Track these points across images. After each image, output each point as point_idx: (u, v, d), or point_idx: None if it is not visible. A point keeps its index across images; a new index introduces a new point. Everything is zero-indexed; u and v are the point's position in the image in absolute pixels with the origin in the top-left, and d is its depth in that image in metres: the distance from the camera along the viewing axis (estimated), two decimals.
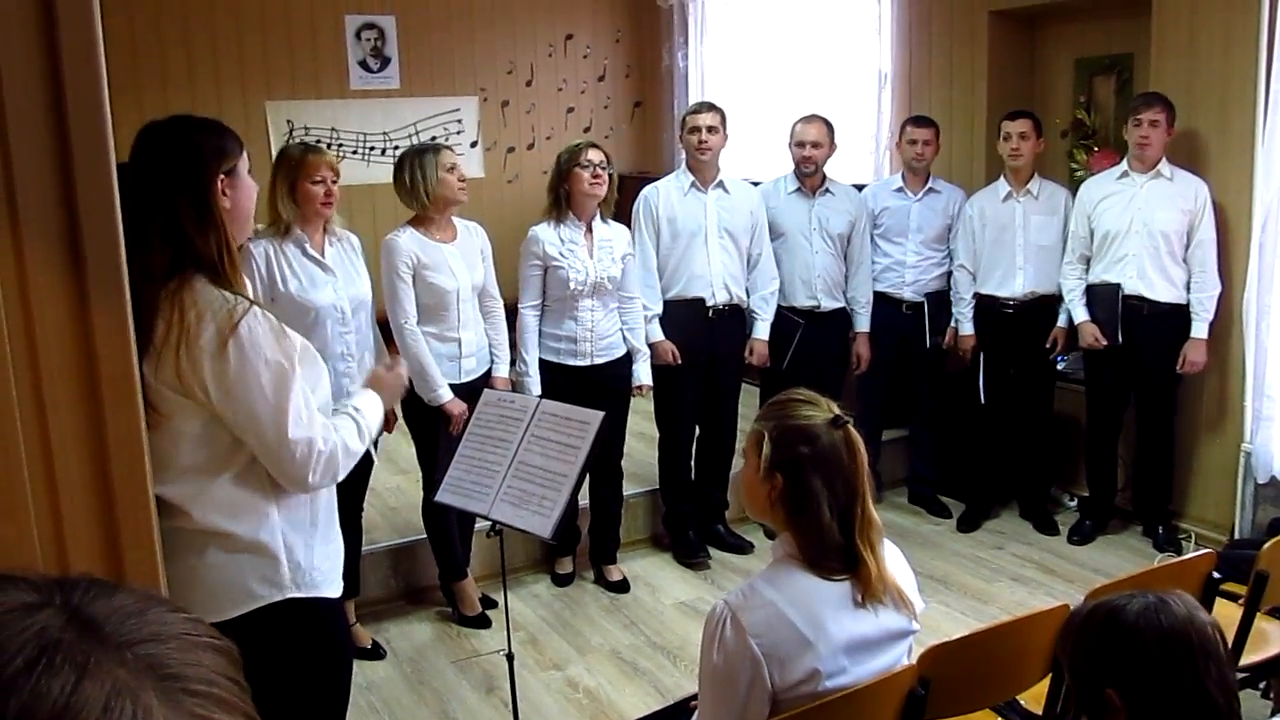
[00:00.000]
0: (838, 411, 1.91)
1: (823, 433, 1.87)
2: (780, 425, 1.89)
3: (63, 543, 1.13)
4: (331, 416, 2.15)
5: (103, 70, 1.14)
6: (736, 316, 4.61)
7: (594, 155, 4.06)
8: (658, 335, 4.43)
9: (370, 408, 2.26)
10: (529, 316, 4.12)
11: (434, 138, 7.08)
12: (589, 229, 4.14)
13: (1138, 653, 1.56)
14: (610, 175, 4.09)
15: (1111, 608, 1.61)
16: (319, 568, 2.13)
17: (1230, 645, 2.64)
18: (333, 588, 2.17)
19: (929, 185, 5.01)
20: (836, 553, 1.88)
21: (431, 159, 3.78)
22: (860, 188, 5.18)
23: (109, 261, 1.11)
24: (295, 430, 1.99)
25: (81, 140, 1.16)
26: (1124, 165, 4.51)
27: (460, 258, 3.88)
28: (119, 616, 0.63)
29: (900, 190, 5.04)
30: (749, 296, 4.62)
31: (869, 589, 1.87)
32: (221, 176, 2.03)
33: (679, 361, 4.44)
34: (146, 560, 1.15)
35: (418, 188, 3.76)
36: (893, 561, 1.97)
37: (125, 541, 1.11)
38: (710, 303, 4.49)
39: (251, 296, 2.05)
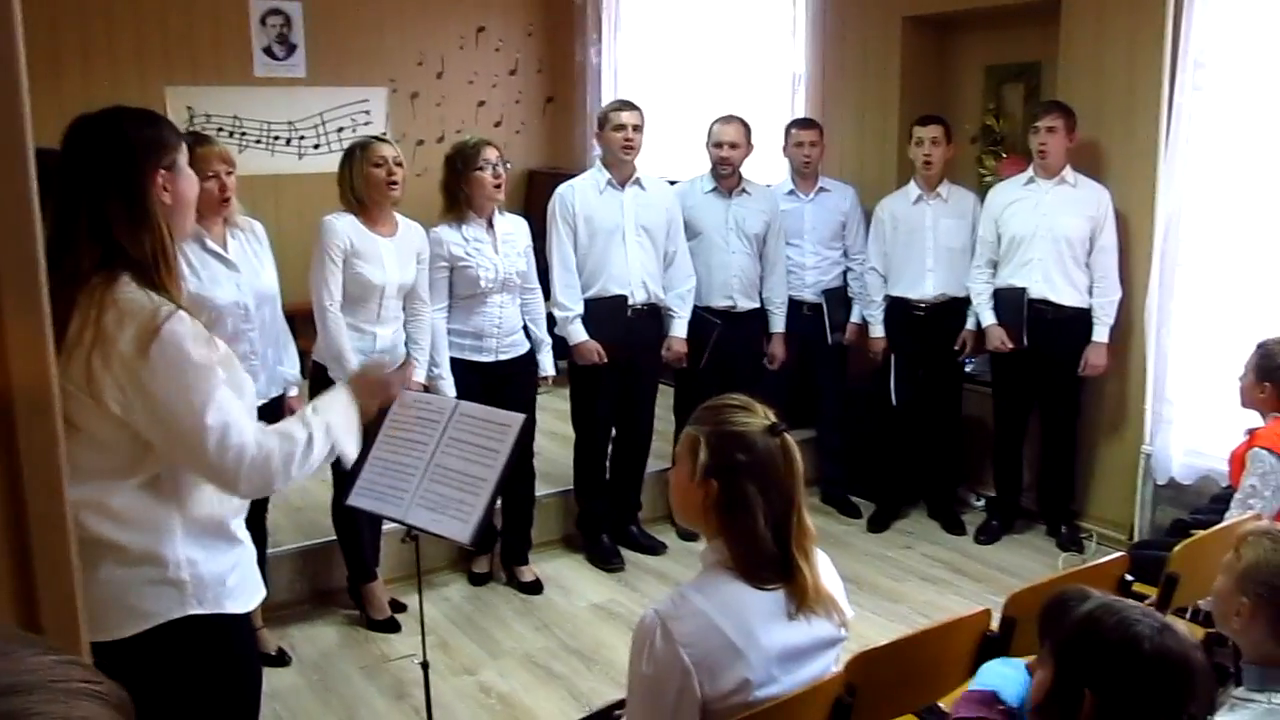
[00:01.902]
0: (774, 419, 1.88)
1: (760, 440, 1.84)
2: (717, 431, 1.86)
3: None
4: (281, 422, 2.04)
5: (21, 58, 1.05)
6: (654, 315, 4.58)
7: (491, 154, 4.02)
8: (582, 335, 4.38)
9: (332, 406, 2.11)
10: (437, 319, 4.05)
11: (341, 129, 6.92)
12: (490, 225, 4.09)
13: (1138, 671, 1.60)
14: (507, 168, 4.08)
15: (1123, 619, 1.65)
16: (225, 583, 2.02)
17: None
18: (239, 603, 2.05)
19: (819, 185, 5.07)
20: (770, 562, 1.85)
21: (359, 156, 3.76)
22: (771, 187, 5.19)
23: (24, 264, 1.02)
24: (223, 434, 1.88)
25: None
26: (1030, 172, 4.60)
27: (394, 254, 3.82)
28: None
29: (792, 193, 5.09)
30: (665, 295, 4.59)
31: (804, 600, 1.85)
32: (162, 172, 1.93)
33: (604, 360, 4.40)
34: (63, 585, 1.07)
35: (344, 183, 3.78)
36: (824, 569, 1.96)
37: (38, 564, 1.02)
38: (631, 301, 4.46)
39: (183, 299, 1.94)
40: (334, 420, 2.09)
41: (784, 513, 1.85)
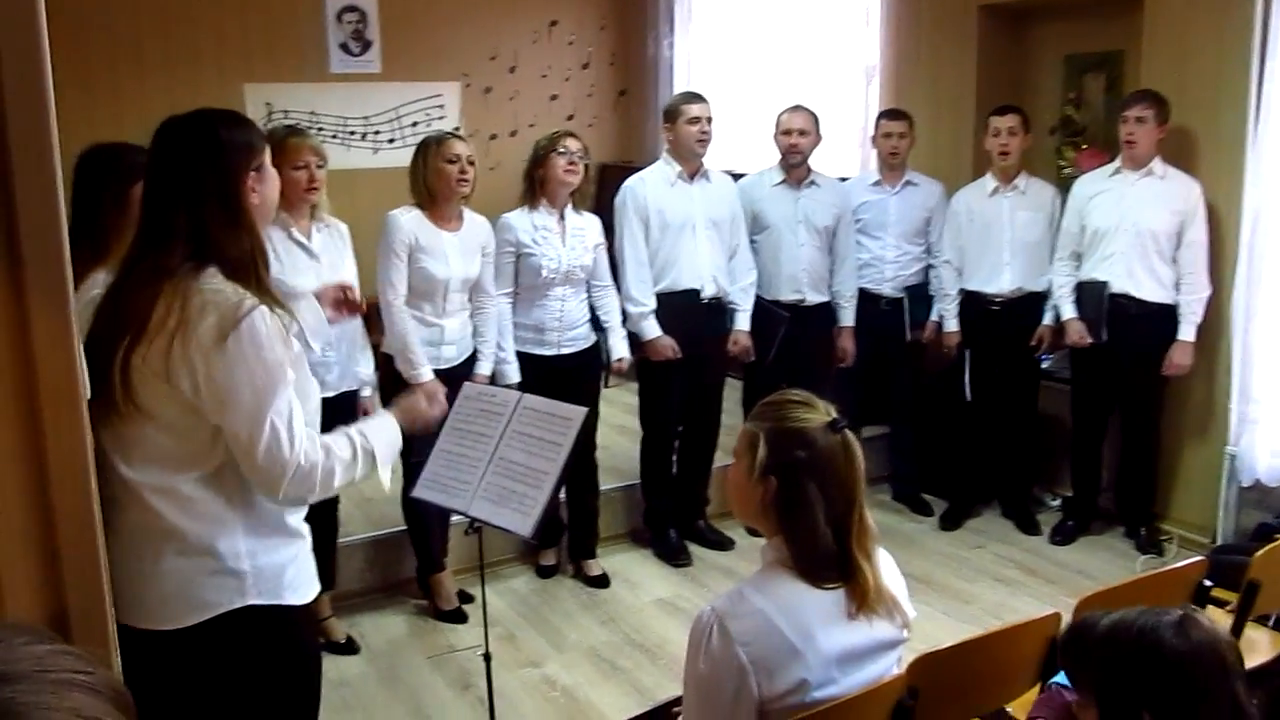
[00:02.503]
0: (835, 415, 1.84)
1: (820, 437, 1.80)
2: (776, 428, 1.83)
3: None
4: (330, 435, 2.07)
5: (46, 63, 1.06)
6: (721, 310, 4.55)
7: (572, 144, 4.04)
8: (655, 331, 4.35)
9: (380, 433, 2.16)
10: (503, 304, 4.08)
11: (415, 124, 6.98)
12: (561, 217, 4.08)
13: (1174, 674, 1.55)
14: (586, 166, 4.09)
15: (1142, 628, 1.59)
16: (283, 574, 2.05)
17: None
18: (298, 595, 2.08)
19: (906, 179, 4.97)
20: (829, 561, 1.82)
21: (433, 150, 3.79)
22: (845, 180, 5.12)
23: (51, 263, 1.03)
24: (276, 437, 1.91)
25: (20, 133, 1.08)
26: (1117, 163, 4.48)
27: (459, 248, 3.85)
28: None
29: (877, 184, 5.00)
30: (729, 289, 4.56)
31: (865, 601, 1.81)
32: (252, 173, 1.98)
33: (679, 356, 4.37)
34: (90, 581, 1.08)
35: (416, 176, 3.82)
36: (885, 569, 1.92)
37: (67, 562, 1.03)
38: (702, 295, 4.43)
39: (275, 294, 1.99)
40: (378, 449, 2.13)
41: (844, 511, 1.81)
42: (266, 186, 2.02)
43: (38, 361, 1.02)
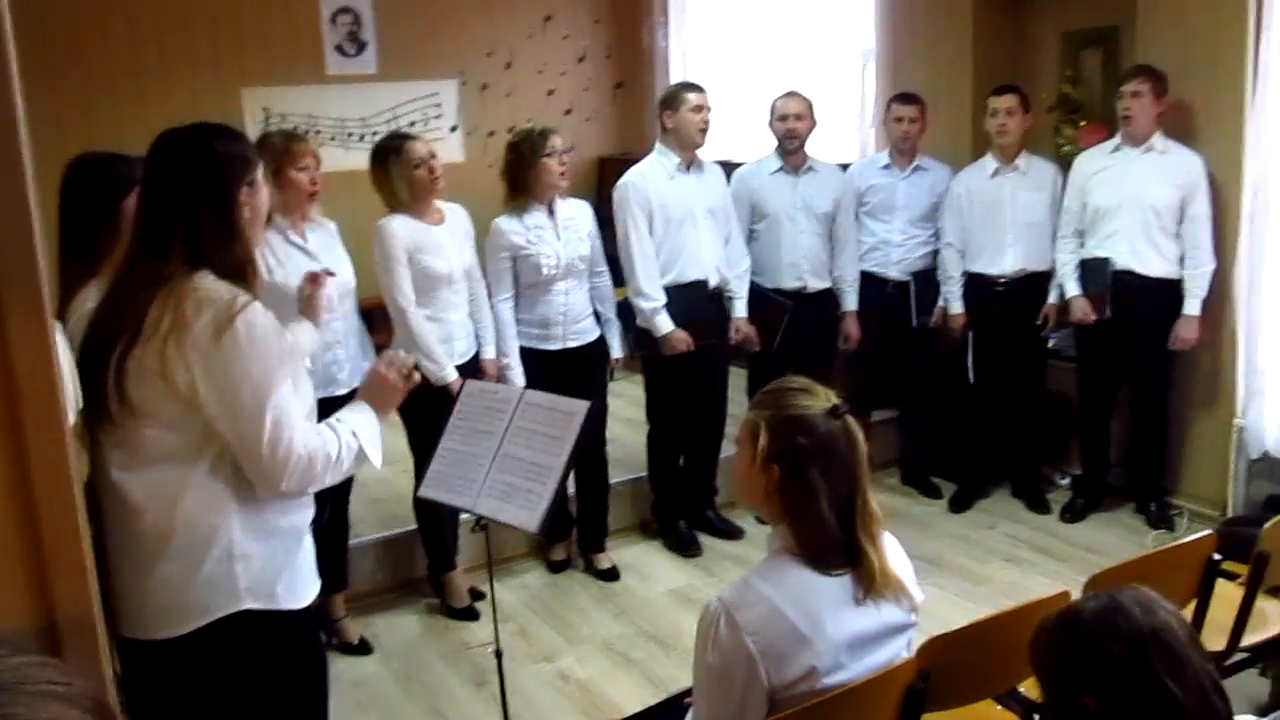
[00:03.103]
0: (836, 401, 1.84)
1: (821, 423, 1.80)
2: (777, 415, 1.83)
3: None
4: (319, 427, 2.09)
5: (14, 75, 1.05)
6: (722, 299, 4.54)
7: (558, 141, 4.02)
8: (668, 325, 4.33)
9: (358, 420, 2.17)
10: (504, 309, 4.07)
11: (413, 123, 6.98)
12: (551, 212, 4.08)
13: (1100, 659, 1.49)
14: (569, 155, 4.09)
15: (1069, 616, 1.56)
16: (278, 578, 2.05)
17: (1231, 627, 2.62)
18: (295, 598, 2.09)
19: (916, 163, 4.94)
20: (835, 547, 1.82)
21: (395, 160, 3.74)
22: (845, 167, 5.11)
23: (26, 274, 1.03)
24: (276, 429, 1.94)
25: None
26: (1117, 139, 4.46)
27: (451, 239, 3.85)
28: None
29: (887, 168, 4.97)
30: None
31: (871, 585, 1.81)
32: (245, 188, 2.01)
33: (693, 348, 4.36)
34: (79, 593, 1.08)
35: (384, 187, 3.78)
36: (891, 552, 1.92)
37: (55, 575, 1.03)
38: (710, 284, 4.43)
39: (263, 294, 2.02)
40: (360, 430, 2.15)
41: (848, 496, 1.81)
42: (258, 200, 2.06)
43: (17, 373, 1.02)
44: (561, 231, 4.09)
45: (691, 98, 4.35)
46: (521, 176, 4.04)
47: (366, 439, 2.15)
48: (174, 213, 1.95)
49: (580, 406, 2.55)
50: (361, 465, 2.18)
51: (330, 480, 2.08)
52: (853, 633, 1.82)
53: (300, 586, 2.11)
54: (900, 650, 1.94)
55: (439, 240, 3.80)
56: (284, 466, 1.96)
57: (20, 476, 1.04)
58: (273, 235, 3.40)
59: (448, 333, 3.86)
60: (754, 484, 1.84)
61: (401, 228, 3.74)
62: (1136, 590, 1.54)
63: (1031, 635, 1.62)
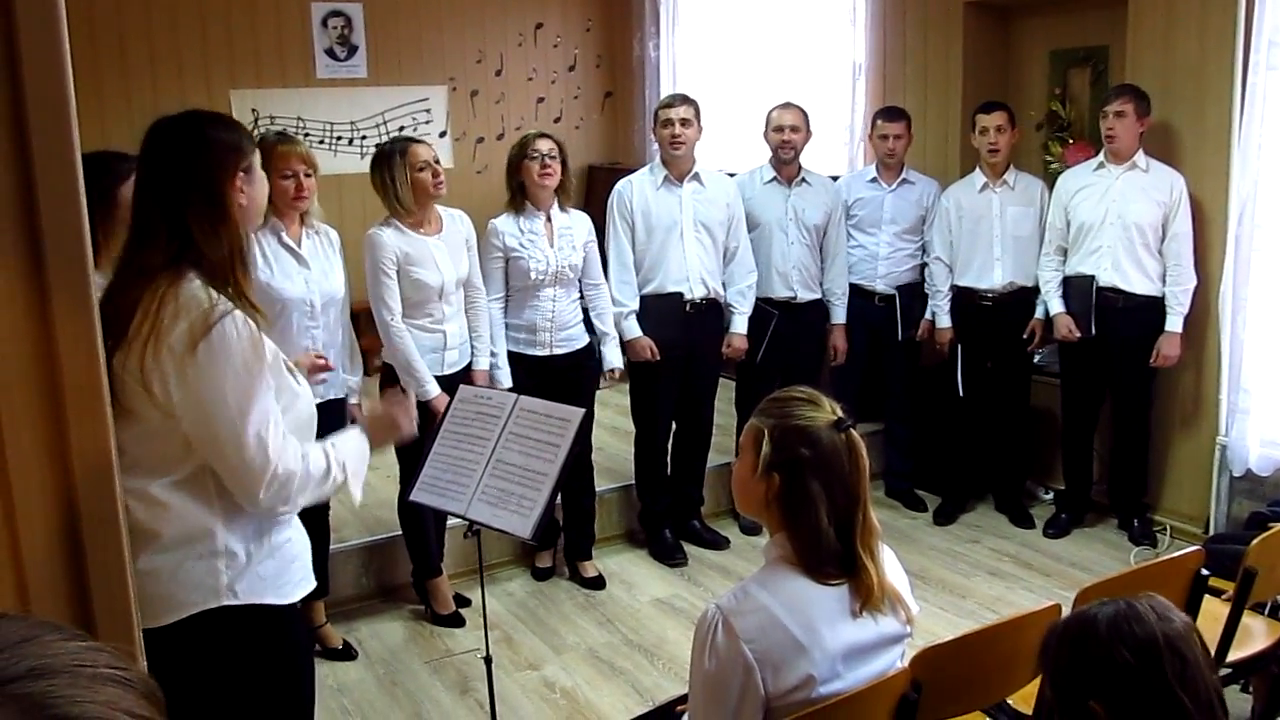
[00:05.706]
0: (840, 414, 1.85)
1: (824, 435, 1.81)
2: (781, 425, 1.83)
3: (21, 568, 1.05)
4: (308, 446, 2.05)
5: (67, 63, 1.06)
6: (714, 311, 4.55)
7: (542, 145, 4.03)
8: (635, 332, 4.37)
9: (348, 445, 2.15)
10: (494, 308, 4.08)
11: (402, 128, 6.97)
12: (548, 218, 4.09)
13: (1111, 664, 1.50)
14: (563, 164, 4.07)
15: (1083, 619, 1.56)
16: (264, 574, 2.03)
17: (1216, 642, 2.64)
18: (281, 594, 2.07)
19: (903, 176, 4.98)
20: (833, 558, 1.82)
21: (399, 162, 3.72)
22: (835, 179, 5.14)
23: (73, 262, 1.03)
24: (254, 444, 1.90)
25: (43, 132, 1.08)
26: (1100, 157, 4.50)
27: (445, 251, 3.83)
28: None
29: (874, 181, 5.01)
30: (726, 290, 4.57)
31: (868, 597, 1.82)
32: (240, 175, 1.98)
33: (657, 358, 4.39)
34: (115, 578, 1.08)
35: (389, 193, 3.74)
36: (889, 565, 1.92)
37: (92, 564, 1.03)
38: (688, 297, 4.44)
39: (252, 299, 1.98)
40: (349, 462, 2.12)
41: (848, 509, 1.82)
42: (254, 189, 2.02)
43: (62, 363, 1.01)
44: (556, 239, 4.09)
45: (662, 113, 4.41)
46: (511, 179, 4.08)
47: (353, 473, 2.13)
48: (164, 199, 1.92)
49: (576, 413, 2.56)
50: (337, 493, 2.15)
51: (304, 503, 2.05)
52: (849, 643, 1.82)
53: (289, 582, 2.09)
54: (895, 661, 1.95)
55: (431, 252, 3.78)
56: (260, 481, 1.92)
57: (62, 465, 1.03)
58: (265, 235, 3.38)
59: (439, 343, 3.85)
60: (754, 491, 1.85)
61: (392, 239, 3.72)
62: (1151, 597, 1.55)
63: (1042, 637, 1.63)
